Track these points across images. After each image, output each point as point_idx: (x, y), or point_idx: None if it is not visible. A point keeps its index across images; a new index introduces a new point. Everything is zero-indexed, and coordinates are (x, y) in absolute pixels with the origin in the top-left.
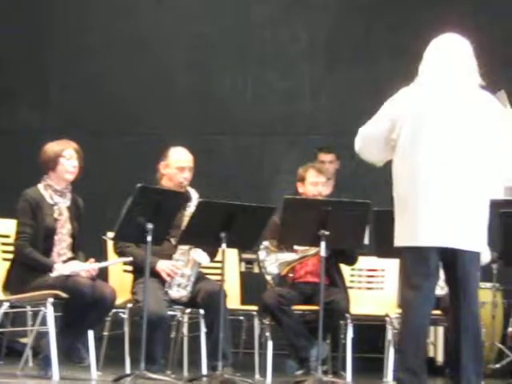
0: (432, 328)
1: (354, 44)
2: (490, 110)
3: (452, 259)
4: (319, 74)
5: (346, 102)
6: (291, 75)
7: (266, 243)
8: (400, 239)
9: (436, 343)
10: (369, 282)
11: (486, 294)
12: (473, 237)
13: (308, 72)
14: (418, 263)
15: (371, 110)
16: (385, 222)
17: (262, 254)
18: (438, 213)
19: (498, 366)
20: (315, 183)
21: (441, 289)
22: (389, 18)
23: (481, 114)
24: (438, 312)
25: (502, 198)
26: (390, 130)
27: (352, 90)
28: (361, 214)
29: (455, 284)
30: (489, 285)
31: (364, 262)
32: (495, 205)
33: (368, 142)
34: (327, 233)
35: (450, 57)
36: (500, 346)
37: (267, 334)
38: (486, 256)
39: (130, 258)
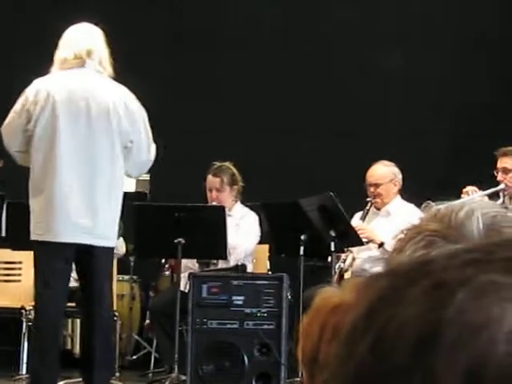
0: (69, 320)
1: None
2: (121, 100)
3: (84, 255)
4: None
5: None
6: None
7: None
8: (35, 233)
9: (73, 336)
10: (6, 275)
11: (124, 287)
12: (104, 232)
13: None
14: (51, 257)
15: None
16: (19, 214)
17: None
18: (72, 207)
19: (135, 357)
20: None
21: (75, 281)
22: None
23: (112, 105)
24: (73, 304)
25: (135, 190)
26: (27, 122)
27: None
28: None
29: (87, 279)
30: (126, 277)
31: (0, 254)
32: (128, 197)
33: (10, 136)
34: None
35: (81, 47)
36: (137, 337)
37: None
38: (121, 248)
39: None
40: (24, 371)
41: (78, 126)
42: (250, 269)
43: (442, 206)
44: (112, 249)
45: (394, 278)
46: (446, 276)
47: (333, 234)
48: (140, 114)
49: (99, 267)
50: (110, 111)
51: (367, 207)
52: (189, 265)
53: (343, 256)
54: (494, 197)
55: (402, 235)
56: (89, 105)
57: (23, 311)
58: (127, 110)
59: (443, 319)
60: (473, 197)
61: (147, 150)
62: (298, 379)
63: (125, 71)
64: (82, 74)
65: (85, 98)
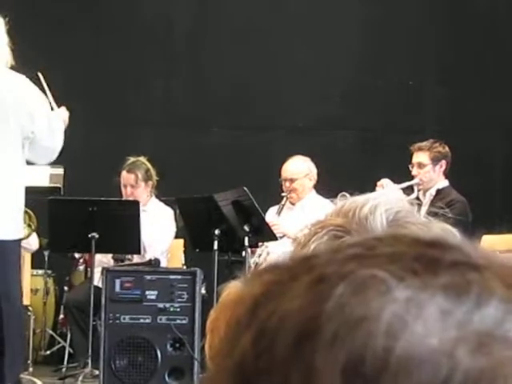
0: None
1: None
2: (20, 95)
3: None
4: None
5: None
6: None
7: None
8: None
9: None
10: None
11: (39, 281)
12: (7, 225)
13: None
14: None
15: None
16: None
17: None
18: None
19: (48, 352)
20: None
21: None
22: None
23: (10, 100)
24: None
25: (48, 184)
26: None
27: None
28: None
29: None
30: (40, 271)
31: None
32: (41, 191)
33: None
34: None
35: None
36: (51, 332)
37: None
38: (33, 243)
39: None
40: None
41: None
42: (164, 263)
43: (347, 201)
44: (10, 242)
45: (279, 272)
46: (328, 270)
47: (247, 228)
48: (40, 103)
49: (5, 261)
50: (7, 108)
51: (282, 202)
52: (103, 260)
53: (259, 251)
54: (408, 191)
55: (307, 230)
56: None
57: None
58: (26, 104)
59: (322, 314)
60: (387, 190)
61: (51, 137)
62: None
63: (42, 59)
64: None
65: None
